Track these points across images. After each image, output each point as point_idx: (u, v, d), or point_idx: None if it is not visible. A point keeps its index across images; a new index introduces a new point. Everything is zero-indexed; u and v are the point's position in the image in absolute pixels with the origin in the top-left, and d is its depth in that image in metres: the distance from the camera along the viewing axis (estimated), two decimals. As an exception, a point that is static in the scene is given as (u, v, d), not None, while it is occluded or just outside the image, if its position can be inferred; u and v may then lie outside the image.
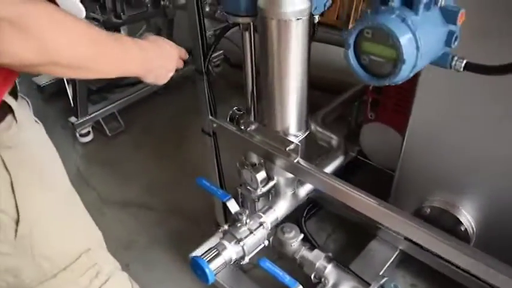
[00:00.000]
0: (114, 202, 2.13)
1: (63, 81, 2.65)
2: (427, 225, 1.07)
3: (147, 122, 2.70)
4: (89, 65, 0.71)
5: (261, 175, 1.24)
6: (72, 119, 2.45)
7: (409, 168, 1.41)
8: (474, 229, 1.30)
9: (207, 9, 2.67)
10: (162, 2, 2.42)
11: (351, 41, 0.80)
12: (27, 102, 0.87)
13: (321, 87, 2.36)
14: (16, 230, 0.76)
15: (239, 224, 1.24)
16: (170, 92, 2.87)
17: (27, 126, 0.79)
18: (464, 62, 0.84)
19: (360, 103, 2.08)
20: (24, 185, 0.76)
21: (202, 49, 1.22)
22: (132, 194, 2.16)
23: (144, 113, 2.75)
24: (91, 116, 2.49)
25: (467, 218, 1.31)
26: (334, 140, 1.60)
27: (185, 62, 1.01)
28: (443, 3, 0.78)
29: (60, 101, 2.83)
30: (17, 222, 0.76)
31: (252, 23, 1.12)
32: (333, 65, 2.33)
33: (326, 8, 1.25)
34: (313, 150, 1.51)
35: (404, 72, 0.77)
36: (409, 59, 0.76)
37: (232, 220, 1.28)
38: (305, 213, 1.87)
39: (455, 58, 0.85)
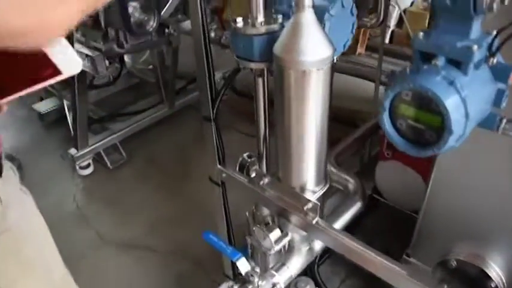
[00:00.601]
0: (114, 243, 2.01)
1: (64, 109, 2.57)
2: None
3: (150, 152, 2.59)
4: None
5: (275, 235, 1.12)
6: (72, 151, 2.34)
7: (434, 216, 1.31)
8: (505, 285, 1.19)
9: (212, 34, 2.59)
10: (166, 30, 2.32)
11: (387, 104, 0.69)
12: (13, 170, 0.76)
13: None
14: None
15: (250, 287, 1.12)
16: (173, 120, 2.77)
17: (13, 206, 0.68)
18: (516, 125, 0.73)
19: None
20: (11, 278, 0.66)
21: (211, 95, 1.11)
22: (133, 234, 2.04)
23: (146, 143, 2.65)
24: (92, 147, 2.38)
25: (498, 272, 1.19)
26: (351, 183, 1.47)
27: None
28: (495, 61, 0.67)
29: (61, 128, 2.75)
30: None
31: (265, 68, 1.01)
32: (341, 93, 2.24)
33: (345, 49, 1.15)
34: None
35: (451, 143, 0.66)
36: (457, 129, 0.64)
37: (242, 281, 1.16)
38: (317, 258, 1.74)
39: (504, 121, 0.74)
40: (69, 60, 0.67)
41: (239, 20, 0.96)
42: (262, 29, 0.93)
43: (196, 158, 2.44)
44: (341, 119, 2.28)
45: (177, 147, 2.62)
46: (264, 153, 1.18)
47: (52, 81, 0.73)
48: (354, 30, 1.13)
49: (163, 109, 2.69)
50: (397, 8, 3.07)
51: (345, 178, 1.50)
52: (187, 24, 2.50)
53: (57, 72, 0.67)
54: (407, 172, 1.66)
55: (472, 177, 1.09)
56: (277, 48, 0.89)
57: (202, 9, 1.10)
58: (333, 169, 1.54)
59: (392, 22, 3.56)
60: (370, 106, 2.24)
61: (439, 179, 1.19)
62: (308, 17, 0.84)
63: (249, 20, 0.96)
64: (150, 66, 3.07)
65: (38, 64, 0.64)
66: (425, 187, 1.26)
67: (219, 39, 2.64)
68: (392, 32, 3.53)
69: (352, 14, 1.09)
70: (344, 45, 1.12)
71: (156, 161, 2.53)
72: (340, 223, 1.34)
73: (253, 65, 0.98)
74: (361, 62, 2.85)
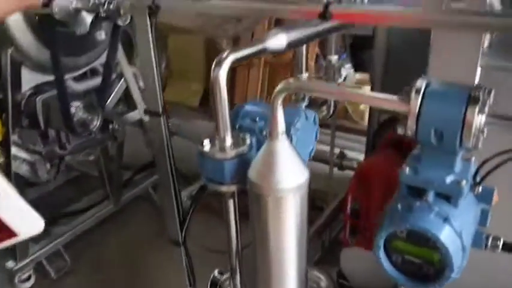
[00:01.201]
0: None
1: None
2: None
3: (96, 256, 2.38)
4: None
5: None
6: (10, 263, 2.10)
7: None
8: None
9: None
10: (110, 126, 2.24)
11: (381, 242, 0.67)
12: None
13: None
14: None
15: None
16: (120, 216, 2.60)
17: None
18: (502, 242, 0.74)
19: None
20: None
21: (178, 216, 1.05)
22: None
23: (92, 245, 2.44)
24: (32, 257, 2.16)
25: None
26: (323, 281, 1.43)
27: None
28: (480, 190, 0.68)
29: (-6, 236, 2.49)
30: None
31: (236, 190, 0.97)
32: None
33: (311, 157, 1.15)
34: None
35: (453, 277, 0.64)
36: (456, 262, 0.63)
37: None
38: None
39: (490, 238, 0.74)
40: (27, 222, 0.62)
41: (206, 142, 0.93)
42: (232, 153, 0.90)
43: (145, 259, 2.29)
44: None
45: (124, 247, 2.44)
46: (238, 269, 1.11)
47: (7, 243, 0.66)
48: (317, 137, 1.13)
49: (109, 206, 2.53)
50: (332, 84, 3.24)
51: (316, 275, 1.46)
52: (131, 116, 2.44)
53: (12, 234, 0.61)
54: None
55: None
56: (253, 174, 0.86)
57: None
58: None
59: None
60: (327, 185, 2.25)
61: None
62: (282, 144, 0.83)
63: (217, 142, 0.93)
64: (92, 157, 2.93)
65: None
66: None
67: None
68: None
69: (315, 123, 1.10)
70: (310, 153, 1.12)
71: (102, 266, 2.33)
72: (319, 329, 1.28)
73: (224, 188, 0.94)
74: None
